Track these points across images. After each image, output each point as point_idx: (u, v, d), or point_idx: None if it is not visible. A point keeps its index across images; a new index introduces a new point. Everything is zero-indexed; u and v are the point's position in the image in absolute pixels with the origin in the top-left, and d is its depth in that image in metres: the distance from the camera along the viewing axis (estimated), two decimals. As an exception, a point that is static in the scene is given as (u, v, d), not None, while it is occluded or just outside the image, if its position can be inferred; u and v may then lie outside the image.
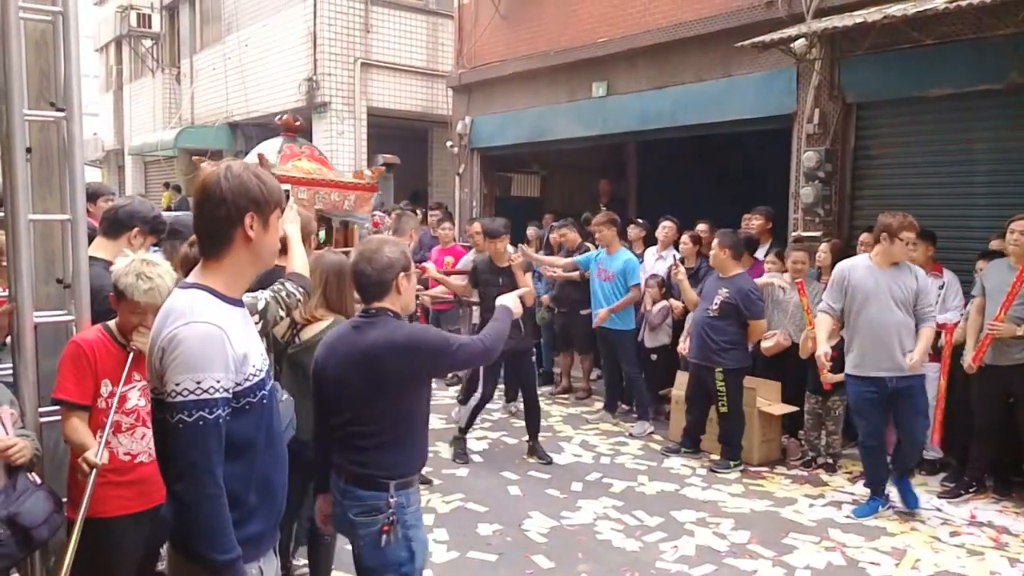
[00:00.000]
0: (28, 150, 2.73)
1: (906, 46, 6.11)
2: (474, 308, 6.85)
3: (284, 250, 3.24)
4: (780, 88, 7.19)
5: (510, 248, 5.89)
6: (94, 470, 2.44)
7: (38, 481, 2.59)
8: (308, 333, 3.33)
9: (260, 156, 5.85)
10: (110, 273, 2.70)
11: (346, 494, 2.55)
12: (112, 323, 2.72)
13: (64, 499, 2.67)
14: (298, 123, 6.59)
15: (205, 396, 1.71)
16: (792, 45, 6.34)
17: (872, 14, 5.73)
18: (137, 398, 2.67)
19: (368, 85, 13.25)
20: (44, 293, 2.89)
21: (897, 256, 4.69)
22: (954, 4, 5.15)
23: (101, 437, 2.52)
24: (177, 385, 1.70)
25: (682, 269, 6.19)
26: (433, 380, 2.77)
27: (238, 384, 1.79)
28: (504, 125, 10.53)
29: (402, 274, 2.57)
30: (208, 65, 16.25)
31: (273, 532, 1.98)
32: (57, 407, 2.65)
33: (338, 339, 2.61)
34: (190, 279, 1.88)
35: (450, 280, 6.46)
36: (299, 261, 3.08)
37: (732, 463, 5.68)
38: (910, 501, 4.87)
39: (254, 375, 1.85)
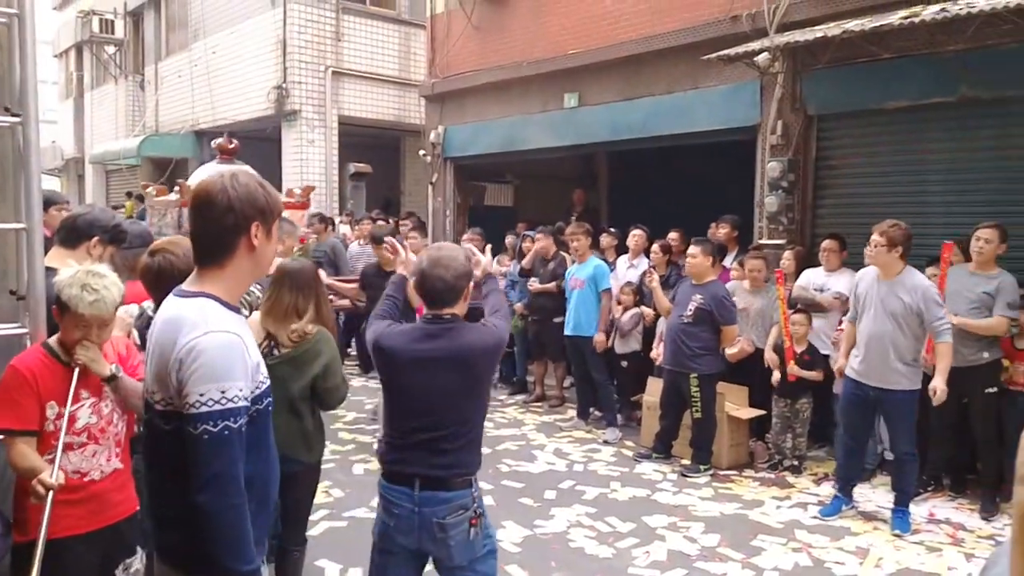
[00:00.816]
0: None
1: (864, 60, 6.32)
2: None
3: None
4: (745, 100, 7.37)
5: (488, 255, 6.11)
6: (50, 492, 2.28)
7: None
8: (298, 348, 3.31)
9: (181, 184, 6.24)
10: None
11: (426, 501, 2.54)
12: (53, 340, 2.57)
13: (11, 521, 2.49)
14: (232, 145, 6.76)
15: (230, 405, 1.72)
16: (756, 59, 6.51)
17: (832, 29, 5.92)
18: (88, 416, 2.54)
19: (339, 93, 13.27)
20: None
21: (868, 261, 4.80)
22: (908, 20, 5.35)
23: (54, 458, 2.37)
24: (201, 395, 1.70)
25: (656, 276, 6.33)
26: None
27: (252, 392, 1.81)
28: (477, 135, 10.63)
29: (471, 283, 2.71)
30: (174, 72, 16.11)
31: (265, 541, 1.98)
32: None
33: (417, 347, 2.59)
34: (189, 287, 1.85)
35: (340, 286, 6.80)
36: None
37: (702, 467, 5.80)
38: (901, 526, 4.75)
39: (263, 382, 1.88)
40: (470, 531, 2.56)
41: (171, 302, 1.85)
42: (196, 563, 1.77)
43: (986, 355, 5.01)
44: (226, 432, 1.71)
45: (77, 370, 2.49)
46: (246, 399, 1.77)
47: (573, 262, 7.42)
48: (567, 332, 7.04)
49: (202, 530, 1.72)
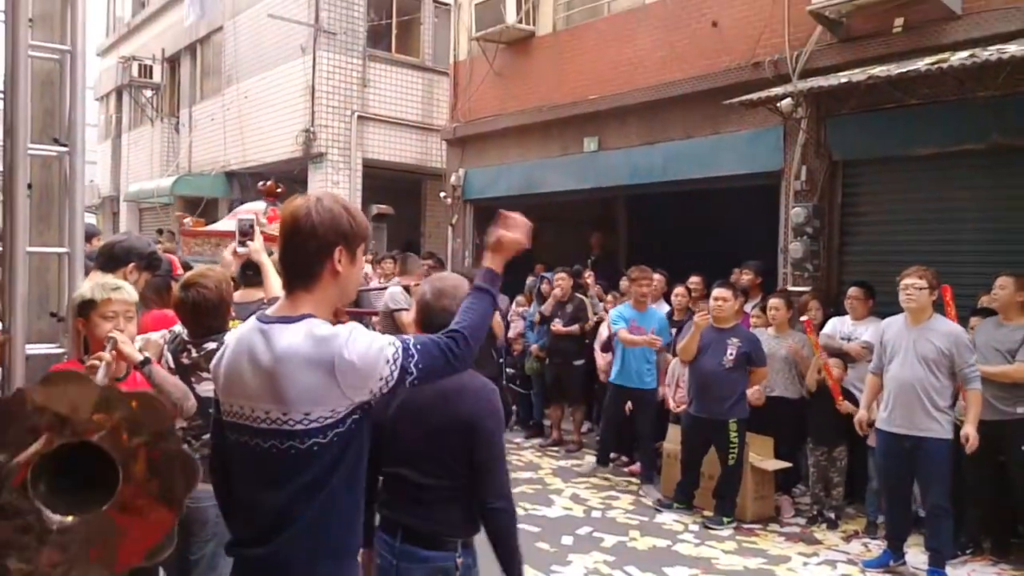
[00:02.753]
0: (29, 186, 2.74)
1: (890, 106, 6.28)
2: None
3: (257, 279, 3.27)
4: (768, 146, 7.34)
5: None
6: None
7: None
8: None
9: (256, 214, 6.15)
10: None
11: (404, 555, 2.26)
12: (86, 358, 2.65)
13: None
14: (280, 189, 6.74)
15: (401, 345, 1.80)
16: (779, 104, 6.49)
17: (857, 75, 5.89)
18: None
19: (364, 137, 13.46)
20: (36, 328, 2.86)
21: (904, 305, 4.69)
22: (936, 66, 5.31)
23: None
24: (389, 363, 1.76)
25: (708, 315, 5.87)
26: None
27: None
28: (497, 177, 10.68)
29: None
30: (207, 115, 16.51)
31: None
32: None
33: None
34: (285, 311, 1.84)
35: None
36: (277, 287, 3.07)
37: (726, 519, 5.61)
38: None
39: None
40: None
41: (275, 329, 1.81)
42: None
43: (1020, 409, 4.80)
44: (418, 347, 1.82)
45: (108, 349, 2.51)
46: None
47: (594, 305, 7.34)
48: (615, 380, 6.60)
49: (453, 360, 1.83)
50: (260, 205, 6.33)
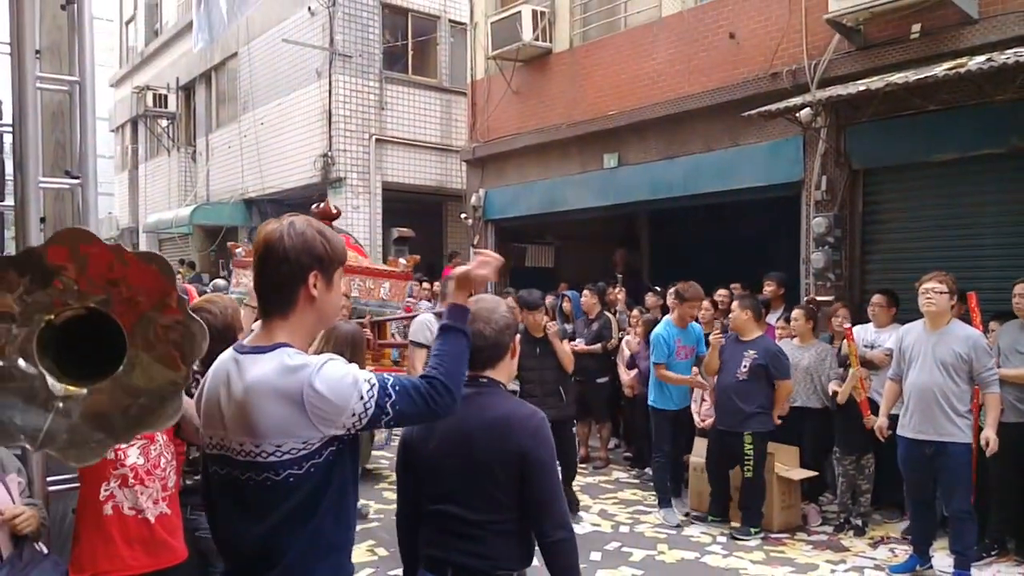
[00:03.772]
0: (42, 219, 2.73)
1: (909, 113, 6.26)
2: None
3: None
4: (787, 156, 7.33)
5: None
6: None
7: (44, 551, 2.57)
8: None
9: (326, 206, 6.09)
10: None
11: None
12: None
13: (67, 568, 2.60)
14: (335, 212, 6.61)
15: (377, 383, 1.76)
16: (798, 114, 6.50)
17: (875, 82, 5.88)
18: (136, 455, 2.61)
19: (383, 160, 13.56)
20: None
21: (923, 310, 4.67)
22: (954, 71, 5.29)
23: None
24: (362, 398, 1.72)
25: (720, 334, 5.93)
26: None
27: None
28: (517, 197, 10.73)
29: (518, 336, 2.32)
30: (224, 143, 16.64)
31: None
32: (64, 477, 2.59)
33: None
34: (260, 341, 1.80)
35: None
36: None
37: (753, 529, 5.56)
38: None
39: None
40: None
41: (249, 359, 1.77)
42: None
43: None
44: (397, 388, 1.77)
45: None
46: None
47: (620, 322, 7.29)
48: (659, 405, 6.17)
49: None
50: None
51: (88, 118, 2.83)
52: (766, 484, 5.65)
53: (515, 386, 5.77)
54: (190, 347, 1.97)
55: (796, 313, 6.15)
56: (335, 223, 6.37)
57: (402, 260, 7.27)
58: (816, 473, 5.84)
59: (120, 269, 1.93)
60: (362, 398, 1.70)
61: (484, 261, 2.06)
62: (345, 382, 1.71)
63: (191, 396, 2.75)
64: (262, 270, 1.79)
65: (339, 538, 1.81)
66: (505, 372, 2.30)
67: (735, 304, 5.89)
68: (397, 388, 1.75)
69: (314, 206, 6.66)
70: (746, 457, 5.56)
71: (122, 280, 1.93)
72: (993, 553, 5.08)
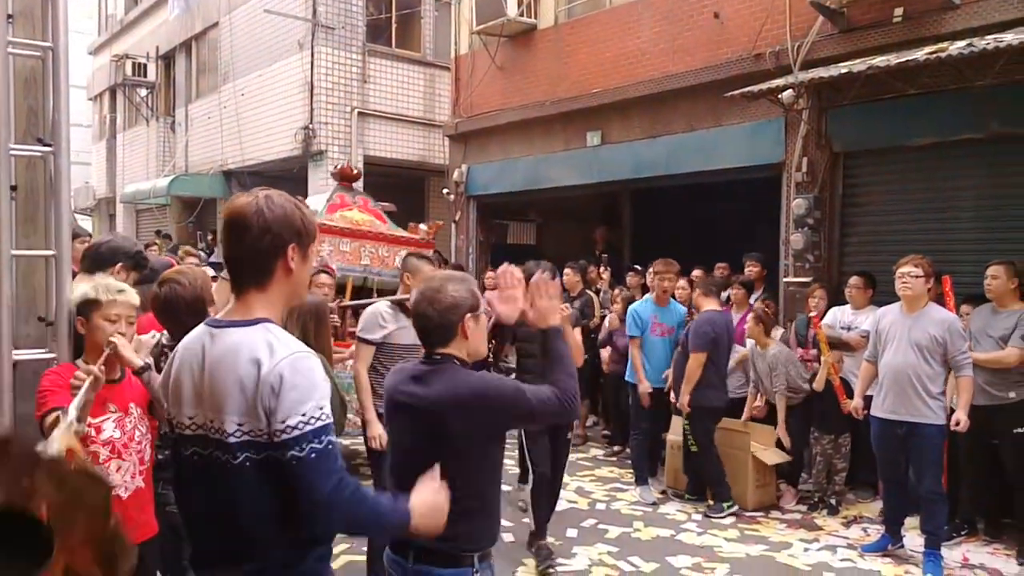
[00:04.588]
0: (13, 187, 2.67)
1: (890, 96, 6.26)
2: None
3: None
4: (769, 137, 7.33)
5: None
6: (90, 376, 2.32)
7: None
8: None
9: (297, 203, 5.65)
10: None
11: None
12: (80, 361, 2.62)
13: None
14: (356, 172, 6.31)
15: (328, 421, 1.69)
16: (780, 95, 6.49)
17: (857, 65, 5.88)
18: (112, 429, 2.58)
19: (365, 134, 13.43)
20: (24, 332, 2.80)
21: (900, 293, 4.74)
22: (935, 56, 5.30)
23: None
24: (303, 415, 1.65)
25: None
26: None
27: None
28: (500, 173, 10.68)
29: (469, 315, 2.23)
30: (203, 114, 16.42)
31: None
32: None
33: (402, 389, 2.27)
34: (238, 316, 1.77)
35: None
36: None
37: (725, 504, 5.63)
38: (932, 569, 4.61)
39: None
40: None
41: (225, 333, 1.75)
42: None
43: (1012, 394, 4.90)
44: (330, 447, 1.68)
45: (104, 356, 2.49)
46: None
47: (603, 301, 7.28)
48: (658, 384, 6.10)
49: (348, 527, 1.84)
50: (322, 195, 5.75)
51: (62, 85, 2.77)
52: (720, 460, 5.71)
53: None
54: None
55: (749, 316, 6.17)
56: (355, 184, 6.08)
57: (423, 226, 6.62)
58: (790, 458, 5.91)
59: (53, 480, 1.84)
60: (304, 415, 1.65)
61: (544, 290, 2.26)
62: (309, 390, 1.67)
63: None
64: (240, 242, 1.76)
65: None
66: (463, 348, 2.26)
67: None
68: (331, 447, 1.70)
69: (334, 167, 6.37)
70: (685, 431, 5.65)
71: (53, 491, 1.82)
72: (963, 533, 5.19)
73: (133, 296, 2.62)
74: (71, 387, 2.39)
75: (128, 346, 2.59)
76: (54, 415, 2.37)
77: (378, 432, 3.94)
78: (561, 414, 2.22)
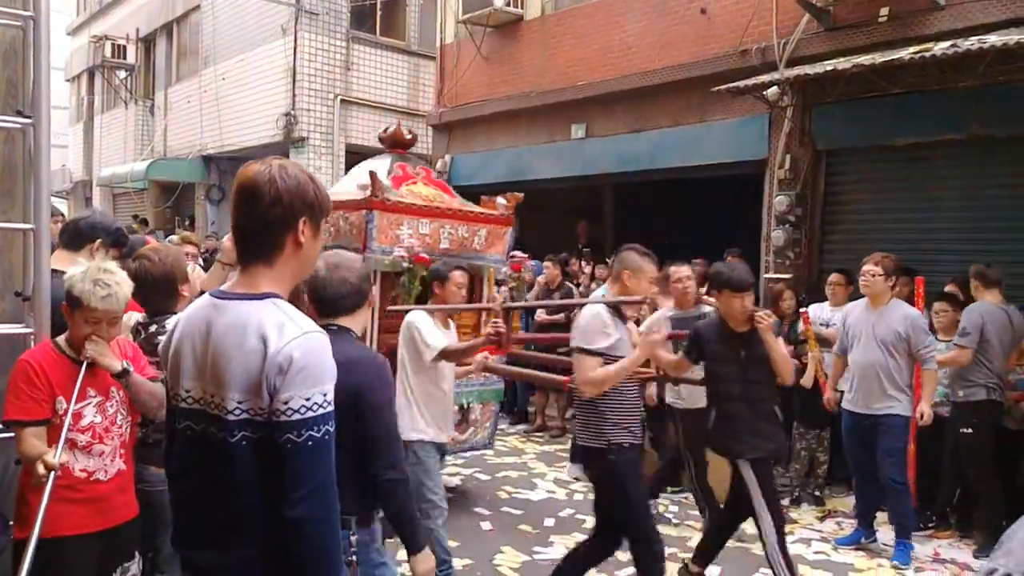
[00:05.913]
0: None
1: (874, 95, 6.32)
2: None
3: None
4: (753, 134, 7.37)
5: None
6: (52, 473, 2.27)
7: None
8: None
9: (372, 174, 4.70)
10: None
11: None
12: (61, 338, 2.57)
13: (11, 522, 2.54)
14: (410, 137, 5.50)
15: (330, 408, 1.63)
16: (765, 92, 6.52)
17: (842, 63, 5.93)
18: (93, 414, 2.54)
19: (347, 121, 13.35)
20: (0, 308, 2.75)
21: (861, 290, 4.84)
22: (919, 55, 5.35)
23: (57, 446, 2.36)
24: (307, 400, 1.59)
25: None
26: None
27: None
28: (483, 164, 10.64)
29: (375, 288, 2.41)
30: (183, 98, 16.22)
31: None
32: (7, 428, 2.48)
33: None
34: (245, 288, 1.70)
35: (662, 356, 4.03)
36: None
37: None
38: (900, 558, 4.71)
39: None
40: None
41: (232, 305, 1.68)
42: None
43: (961, 394, 5.02)
44: (327, 437, 1.62)
45: (84, 365, 2.50)
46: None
47: (582, 294, 7.27)
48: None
49: (296, 546, 1.61)
50: (386, 161, 5.09)
51: (42, 57, 2.69)
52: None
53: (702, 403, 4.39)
54: None
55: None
56: (411, 150, 5.51)
57: (500, 200, 5.62)
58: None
59: None
60: (308, 399, 1.60)
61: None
62: (319, 372, 1.62)
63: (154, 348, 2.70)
64: (249, 213, 1.68)
65: None
66: (360, 322, 2.44)
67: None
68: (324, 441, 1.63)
69: (383, 131, 5.56)
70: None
71: None
72: (931, 526, 5.29)
73: (119, 301, 2.51)
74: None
75: (107, 353, 2.53)
76: (21, 431, 2.42)
77: None
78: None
